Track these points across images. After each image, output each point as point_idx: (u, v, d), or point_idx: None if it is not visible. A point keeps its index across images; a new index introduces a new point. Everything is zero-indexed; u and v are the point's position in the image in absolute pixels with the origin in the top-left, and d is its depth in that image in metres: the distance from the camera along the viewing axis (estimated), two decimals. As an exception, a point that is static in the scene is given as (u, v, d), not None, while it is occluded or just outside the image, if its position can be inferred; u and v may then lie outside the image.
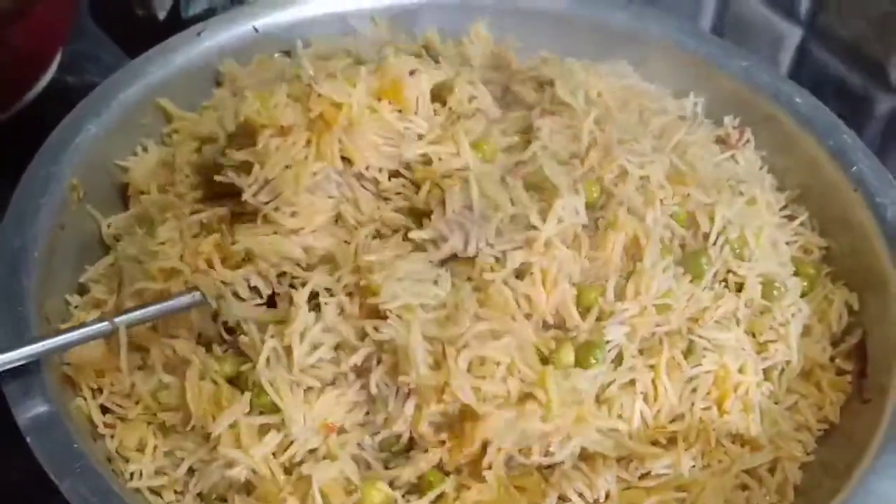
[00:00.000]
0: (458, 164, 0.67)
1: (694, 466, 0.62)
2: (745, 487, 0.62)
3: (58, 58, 1.01)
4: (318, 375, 0.61)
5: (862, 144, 0.76)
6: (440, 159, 0.67)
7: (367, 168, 0.66)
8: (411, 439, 0.61)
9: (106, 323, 0.61)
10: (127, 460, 0.62)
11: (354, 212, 0.66)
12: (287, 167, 0.64)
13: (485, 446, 0.59)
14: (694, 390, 0.63)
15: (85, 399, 0.63)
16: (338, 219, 0.66)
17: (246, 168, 0.65)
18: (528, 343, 0.61)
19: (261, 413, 0.61)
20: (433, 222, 0.64)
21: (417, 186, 0.66)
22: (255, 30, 0.84)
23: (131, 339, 0.64)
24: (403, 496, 0.59)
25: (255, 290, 0.65)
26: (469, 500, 0.58)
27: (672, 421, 0.62)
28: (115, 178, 0.75)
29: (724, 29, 1.04)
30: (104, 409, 0.64)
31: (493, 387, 0.58)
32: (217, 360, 0.63)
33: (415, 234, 0.64)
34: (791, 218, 0.76)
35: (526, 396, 0.59)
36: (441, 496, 0.59)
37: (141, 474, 0.61)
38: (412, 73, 0.68)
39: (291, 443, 0.60)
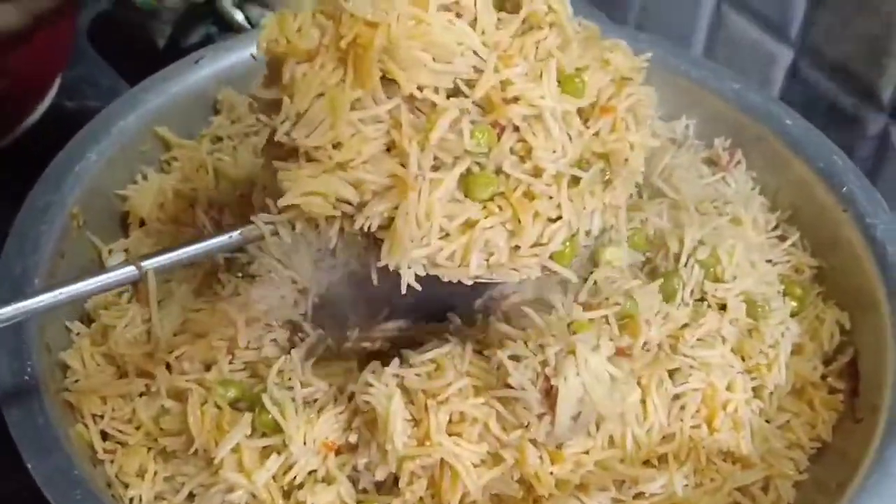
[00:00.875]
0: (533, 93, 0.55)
1: (687, 485, 0.62)
2: (738, 505, 0.63)
3: (57, 83, 1.03)
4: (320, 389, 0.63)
5: (852, 165, 0.77)
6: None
7: (419, 89, 0.54)
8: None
9: (132, 267, 0.57)
10: (126, 486, 0.63)
11: (411, 135, 0.54)
12: (319, 95, 0.54)
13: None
14: (683, 408, 0.63)
15: (86, 425, 0.64)
16: (390, 147, 0.55)
17: (276, 107, 0.56)
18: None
19: (263, 435, 0.62)
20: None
21: (482, 108, 0.55)
22: (253, 57, 0.84)
23: (136, 366, 0.66)
24: None
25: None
26: None
27: (663, 439, 0.63)
28: (115, 206, 0.76)
29: (716, 50, 1.05)
30: (104, 435, 0.64)
31: (470, 446, 0.59)
32: (221, 384, 0.64)
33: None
34: (783, 238, 0.77)
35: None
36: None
37: (140, 499, 0.62)
38: None
39: (291, 466, 0.61)
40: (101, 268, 0.73)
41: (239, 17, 0.88)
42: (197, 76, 0.82)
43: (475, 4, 0.55)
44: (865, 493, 0.58)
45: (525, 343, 0.60)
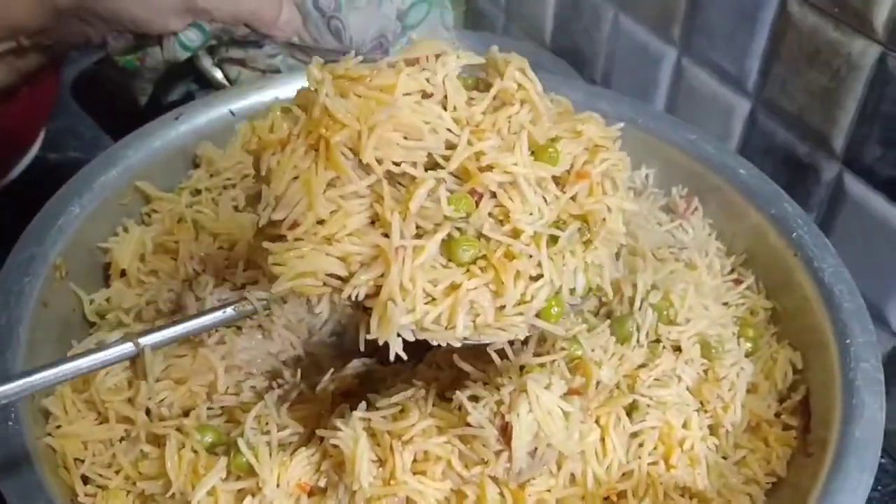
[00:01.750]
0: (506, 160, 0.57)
1: (646, 521, 0.65)
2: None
3: (41, 136, 1.05)
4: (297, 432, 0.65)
5: (801, 211, 0.80)
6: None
7: (396, 164, 0.56)
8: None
9: (130, 344, 0.62)
10: (106, 529, 0.65)
11: (392, 206, 0.56)
12: (294, 178, 0.56)
13: None
14: (641, 445, 0.66)
15: (67, 469, 0.66)
16: (374, 220, 0.57)
17: (259, 198, 0.59)
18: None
19: (238, 478, 0.64)
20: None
21: (459, 177, 0.58)
22: (232, 113, 0.89)
23: (117, 412, 0.68)
24: None
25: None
26: None
27: (622, 475, 0.66)
28: (97, 257, 0.79)
29: (678, 103, 1.09)
30: (85, 479, 0.66)
31: (434, 483, 0.62)
32: (199, 429, 0.66)
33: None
34: (738, 281, 0.81)
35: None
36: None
37: (119, 542, 0.64)
38: (438, 56, 0.59)
39: (265, 507, 0.63)
40: (83, 319, 0.76)
41: (218, 74, 0.92)
42: (177, 131, 0.86)
43: (444, 84, 0.58)
44: (811, 525, 0.60)
45: (484, 384, 0.63)
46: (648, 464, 0.66)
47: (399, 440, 0.62)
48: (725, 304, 0.78)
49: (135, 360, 0.65)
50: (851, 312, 0.72)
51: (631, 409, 0.67)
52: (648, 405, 0.67)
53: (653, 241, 0.79)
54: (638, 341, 0.71)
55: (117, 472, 0.66)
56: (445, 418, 0.63)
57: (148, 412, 0.68)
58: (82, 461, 0.67)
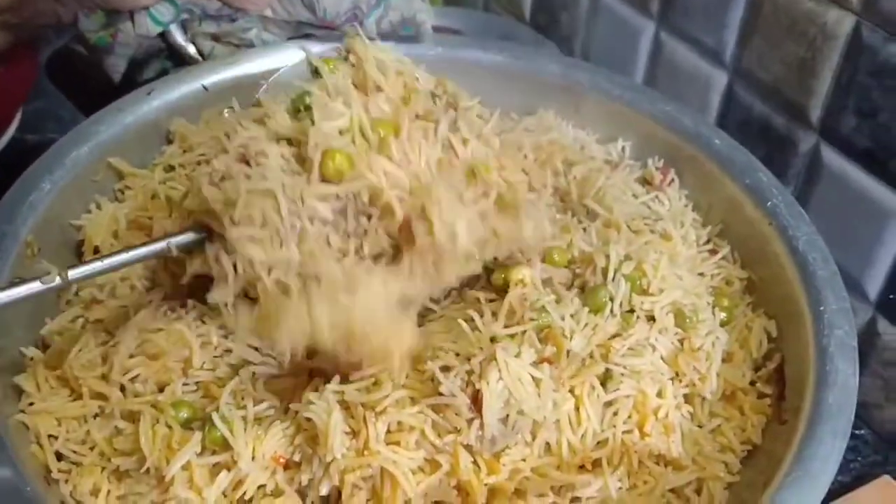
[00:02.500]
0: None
1: (621, 488, 0.65)
2: (671, 507, 0.65)
3: (18, 117, 1.04)
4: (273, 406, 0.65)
5: (776, 181, 0.80)
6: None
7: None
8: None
9: (57, 278, 0.60)
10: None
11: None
12: None
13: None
14: (615, 414, 0.66)
15: (41, 445, 0.66)
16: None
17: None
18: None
19: (213, 452, 0.64)
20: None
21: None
22: (204, 88, 0.88)
23: (91, 388, 0.67)
24: None
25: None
26: None
27: (597, 444, 0.66)
28: (70, 235, 0.78)
29: (657, 76, 1.09)
30: (59, 456, 0.66)
31: (408, 453, 0.62)
32: (174, 405, 0.66)
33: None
34: (714, 252, 0.81)
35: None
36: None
37: (95, 518, 0.64)
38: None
39: (241, 481, 0.63)
40: (55, 297, 0.75)
41: (191, 49, 0.90)
42: (149, 107, 0.85)
43: None
44: (785, 489, 0.60)
45: (455, 354, 0.63)
46: (623, 432, 0.66)
47: (372, 411, 0.62)
48: (701, 274, 0.78)
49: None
50: (825, 280, 0.72)
51: (605, 379, 0.67)
52: (622, 374, 0.67)
53: (627, 213, 0.79)
54: (612, 311, 0.71)
55: (91, 449, 0.66)
56: (418, 389, 0.63)
57: (122, 388, 0.68)
58: (56, 438, 0.66)
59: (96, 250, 0.78)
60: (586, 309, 0.70)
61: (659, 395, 0.68)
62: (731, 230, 0.82)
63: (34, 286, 0.59)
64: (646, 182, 0.85)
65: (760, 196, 0.79)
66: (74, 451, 0.66)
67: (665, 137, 0.87)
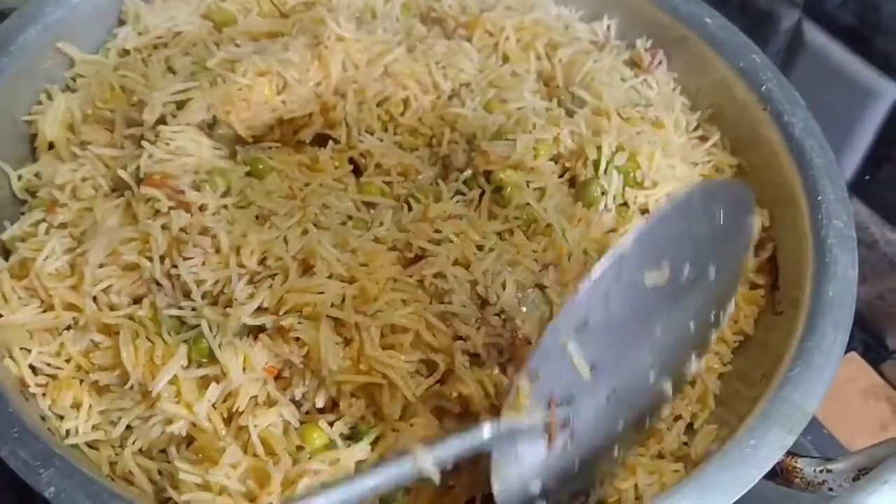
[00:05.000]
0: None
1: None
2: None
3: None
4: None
5: (770, 64, 0.78)
6: None
7: None
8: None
9: None
10: (61, 418, 0.61)
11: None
12: None
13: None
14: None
15: (14, 360, 0.62)
16: None
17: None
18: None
19: (199, 366, 0.61)
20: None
21: None
22: (158, -38, 0.80)
23: (62, 299, 0.63)
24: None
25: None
26: (412, 434, 0.60)
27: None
28: (21, 130, 0.73)
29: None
30: (33, 370, 0.63)
31: (403, 356, 0.60)
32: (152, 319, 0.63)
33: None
34: (704, 139, 0.78)
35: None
36: (379, 438, 0.60)
37: (77, 431, 0.61)
38: None
39: (231, 394, 0.60)
40: (12, 197, 0.70)
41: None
42: (99, -16, 0.78)
43: None
44: (789, 385, 0.60)
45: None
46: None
47: (364, 315, 0.59)
48: (694, 163, 0.76)
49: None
50: (822, 168, 0.71)
51: None
52: None
53: (617, 99, 0.75)
54: (606, 206, 0.69)
55: (67, 362, 0.63)
56: (410, 292, 0.61)
57: (95, 300, 0.64)
58: (29, 351, 0.63)
59: (51, 146, 0.72)
60: (580, 204, 0.68)
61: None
62: (722, 115, 0.79)
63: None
64: (633, 64, 0.81)
65: (754, 79, 0.76)
66: (49, 364, 0.63)
67: (653, 16, 0.83)
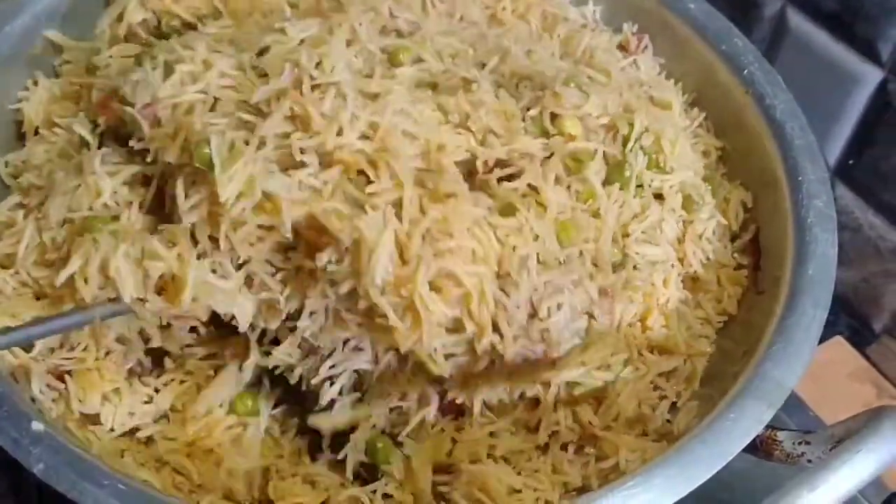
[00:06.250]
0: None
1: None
2: (656, 387, 0.66)
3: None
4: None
5: (752, 47, 0.78)
6: None
7: None
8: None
9: None
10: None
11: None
12: None
13: None
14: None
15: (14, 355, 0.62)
16: None
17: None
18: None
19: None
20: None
21: None
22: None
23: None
24: None
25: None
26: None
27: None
28: (9, 116, 0.73)
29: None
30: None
31: (444, 307, 0.57)
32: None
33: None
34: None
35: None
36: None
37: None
38: None
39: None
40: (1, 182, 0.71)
41: None
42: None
43: None
44: (769, 361, 0.61)
45: None
46: (627, 325, 0.66)
47: (431, 248, 0.56)
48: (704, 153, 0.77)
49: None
50: (803, 149, 0.71)
51: (618, 266, 0.67)
52: (636, 265, 0.67)
53: (625, 79, 0.75)
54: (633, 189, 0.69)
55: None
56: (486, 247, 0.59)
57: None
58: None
59: (36, 132, 0.73)
60: (617, 185, 0.67)
61: (664, 283, 0.68)
62: (706, 98, 0.80)
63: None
64: (621, 48, 0.82)
65: (736, 63, 0.77)
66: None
67: (637, 1, 0.83)
